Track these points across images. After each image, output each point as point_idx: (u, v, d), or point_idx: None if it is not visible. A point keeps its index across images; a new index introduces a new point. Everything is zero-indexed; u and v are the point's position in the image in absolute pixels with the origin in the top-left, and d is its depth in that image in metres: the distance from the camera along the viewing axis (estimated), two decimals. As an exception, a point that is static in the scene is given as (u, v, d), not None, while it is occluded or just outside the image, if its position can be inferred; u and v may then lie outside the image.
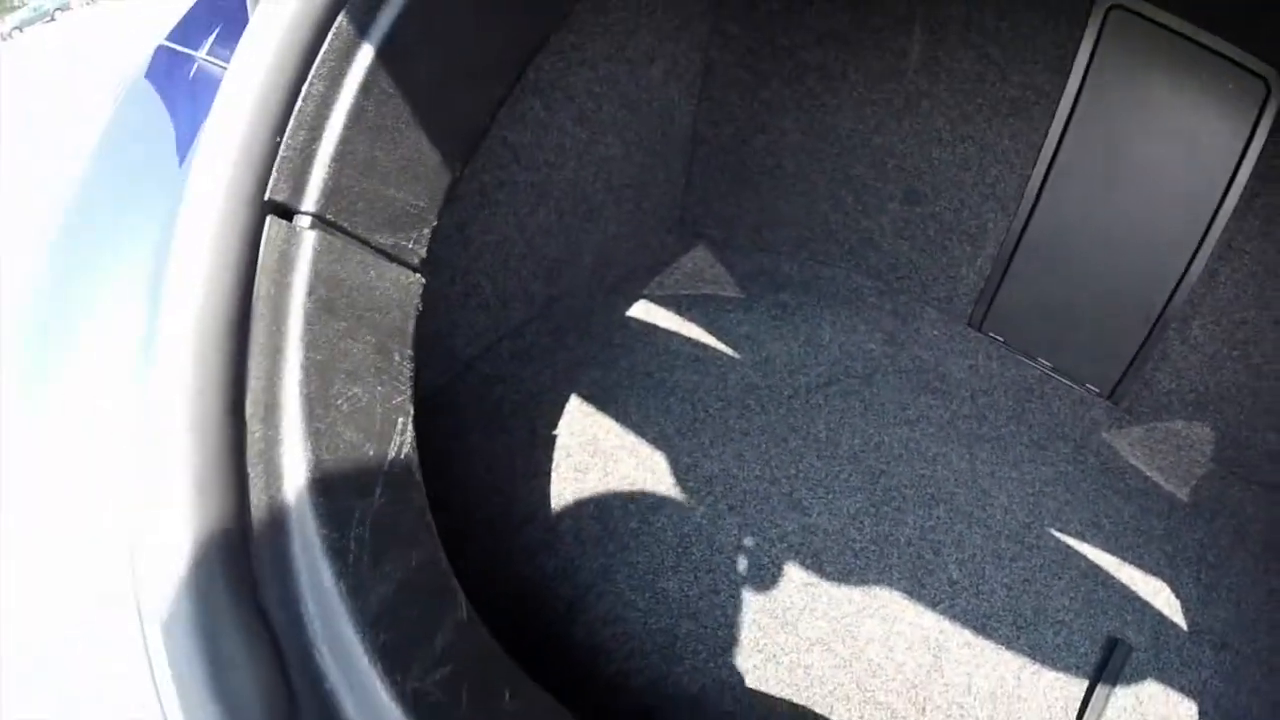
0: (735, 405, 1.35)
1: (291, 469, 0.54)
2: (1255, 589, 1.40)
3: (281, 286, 0.57)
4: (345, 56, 0.62)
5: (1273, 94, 1.27)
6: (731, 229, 1.56)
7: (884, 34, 1.49)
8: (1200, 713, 1.24)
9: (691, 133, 1.51)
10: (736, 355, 1.43)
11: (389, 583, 0.55)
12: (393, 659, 0.51)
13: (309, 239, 0.59)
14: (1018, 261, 1.51)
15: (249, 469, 0.52)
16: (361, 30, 0.61)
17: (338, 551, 0.53)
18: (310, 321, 0.58)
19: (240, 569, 0.49)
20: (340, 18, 0.59)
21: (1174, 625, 1.33)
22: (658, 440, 1.29)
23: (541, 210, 1.27)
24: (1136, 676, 1.25)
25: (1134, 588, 1.34)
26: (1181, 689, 1.25)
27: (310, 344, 0.57)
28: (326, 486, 0.54)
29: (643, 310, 1.45)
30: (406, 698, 0.50)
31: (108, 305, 0.60)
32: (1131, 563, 1.36)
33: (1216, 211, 1.39)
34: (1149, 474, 1.52)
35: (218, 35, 0.68)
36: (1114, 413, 1.54)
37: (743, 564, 1.18)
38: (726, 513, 1.23)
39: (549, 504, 1.19)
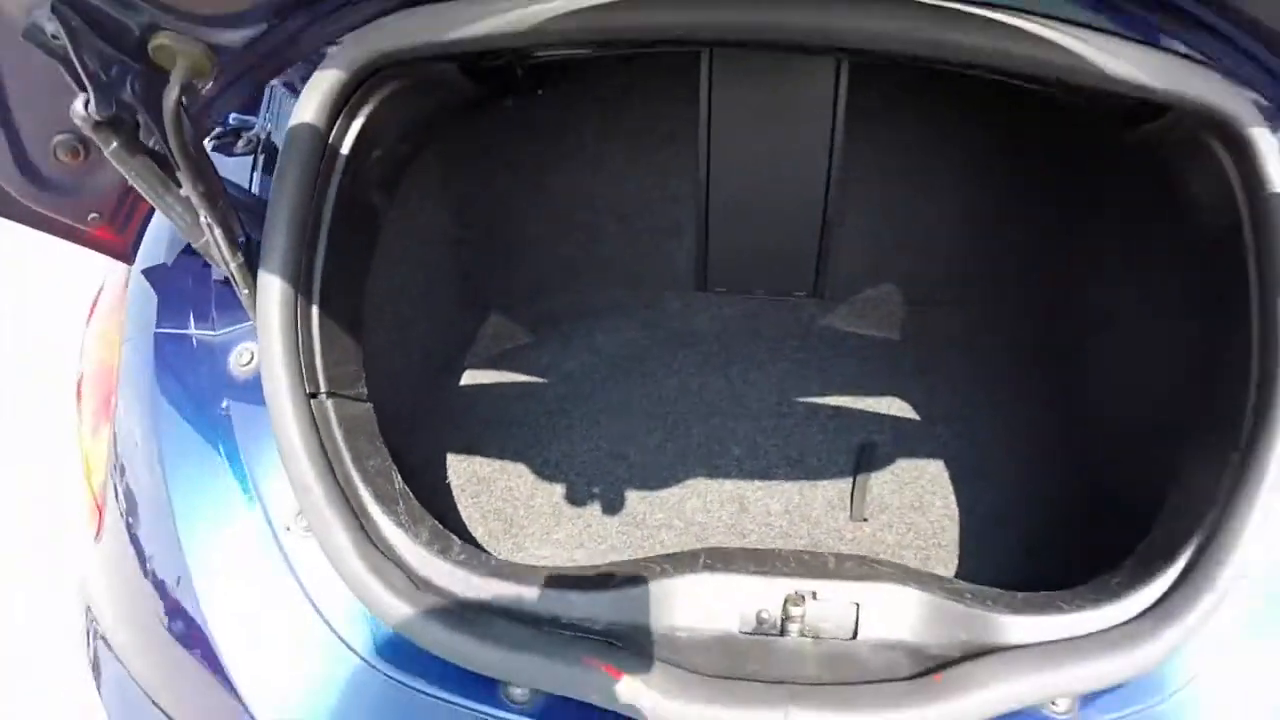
0: (555, 413, 1.82)
1: (368, 499, 1.02)
2: (966, 375, 1.93)
3: (328, 430, 1.04)
4: (306, 316, 1.07)
5: (843, 64, 1.86)
6: (508, 294, 2.04)
7: (566, 124, 2.03)
8: (945, 462, 1.74)
9: (455, 236, 2.00)
10: (544, 380, 1.91)
11: (425, 529, 1.05)
12: (434, 549, 1.00)
13: (330, 404, 1.06)
14: (712, 233, 2.04)
15: (352, 506, 0.99)
16: (308, 299, 1.07)
17: (399, 525, 1.02)
18: (346, 440, 1.05)
19: (360, 530, 0.96)
20: (298, 299, 1.05)
21: (909, 420, 1.85)
22: (512, 456, 1.74)
23: (374, 337, 1.73)
24: (889, 460, 1.74)
25: (871, 409, 1.85)
26: (926, 455, 1.76)
27: (349, 448, 1.05)
28: (381, 502, 1.02)
29: (469, 378, 1.91)
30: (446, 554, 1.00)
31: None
32: (865, 395, 1.87)
33: (832, 142, 1.94)
34: (864, 333, 2.06)
35: (195, 312, 1.14)
36: (821, 304, 2.08)
37: (598, 506, 1.65)
38: (576, 479, 1.69)
39: (464, 527, 1.64)
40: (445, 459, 1.72)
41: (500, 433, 1.79)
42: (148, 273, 1.22)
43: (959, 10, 0.93)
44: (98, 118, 0.80)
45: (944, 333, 2.04)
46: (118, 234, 1.14)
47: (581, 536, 1.59)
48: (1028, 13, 0.92)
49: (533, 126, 1.98)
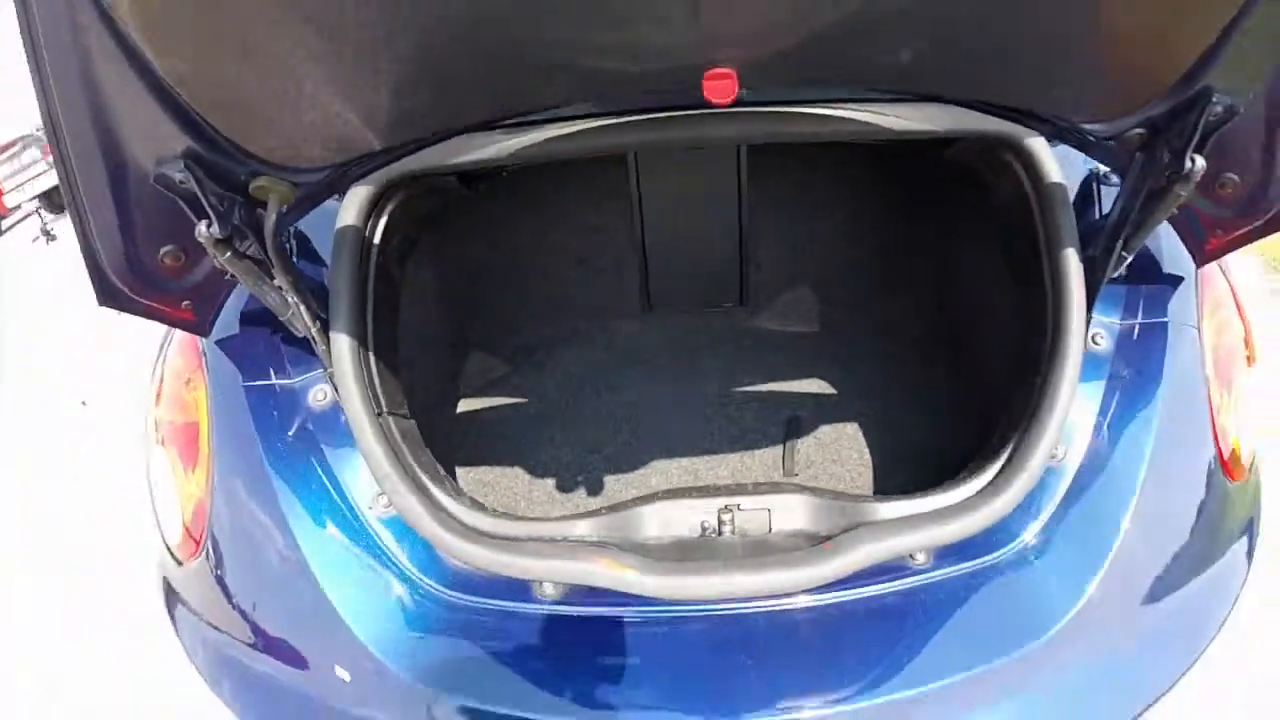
0: (539, 426, 2.21)
1: (426, 480, 1.37)
2: (872, 358, 2.37)
3: (391, 437, 1.38)
4: (366, 360, 1.42)
5: (743, 151, 2.25)
6: (489, 334, 2.43)
7: (526, 191, 2.40)
8: (858, 424, 2.16)
9: (442, 293, 2.37)
10: (526, 400, 2.30)
11: (467, 498, 1.39)
12: (475, 509, 1.36)
13: (390, 420, 1.41)
14: (650, 265, 2.46)
15: (417, 484, 1.35)
16: (365, 348, 1.43)
17: (449, 495, 1.36)
18: (404, 443, 1.40)
19: (426, 498, 1.32)
20: (360, 349, 1.41)
21: (827, 395, 2.27)
22: (509, 463, 2.11)
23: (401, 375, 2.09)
24: (812, 428, 2.15)
25: (795, 390, 2.27)
26: (842, 421, 2.18)
27: (407, 448, 1.39)
28: (435, 482, 1.38)
29: (464, 405, 2.29)
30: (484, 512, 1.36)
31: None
32: (790, 380, 2.30)
33: (740, 186, 2.35)
34: (786, 329, 2.49)
35: (274, 368, 1.48)
36: (748, 310, 2.51)
37: (583, 491, 2.04)
38: (563, 474, 2.07)
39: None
40: (454, 471, 2.10)
41: (496, 446, 2.18)
42: (223, 346, 1.60)
43: (782, 112, 1.36)
44: (218, 236, 1.19)
45: (853, 326, 2.48)
46: (199, 315, 1.51)
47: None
48: (828, 102, 1.36)
49: (499, 197, 2.39)
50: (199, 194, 1.14)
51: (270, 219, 1.22)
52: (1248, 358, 1.68)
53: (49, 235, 5.94)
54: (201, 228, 1.18)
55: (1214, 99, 1.13)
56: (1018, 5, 1.03)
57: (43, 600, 2.61)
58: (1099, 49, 1.14)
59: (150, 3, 0.91)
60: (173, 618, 1.64)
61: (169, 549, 1.63)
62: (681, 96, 1.23)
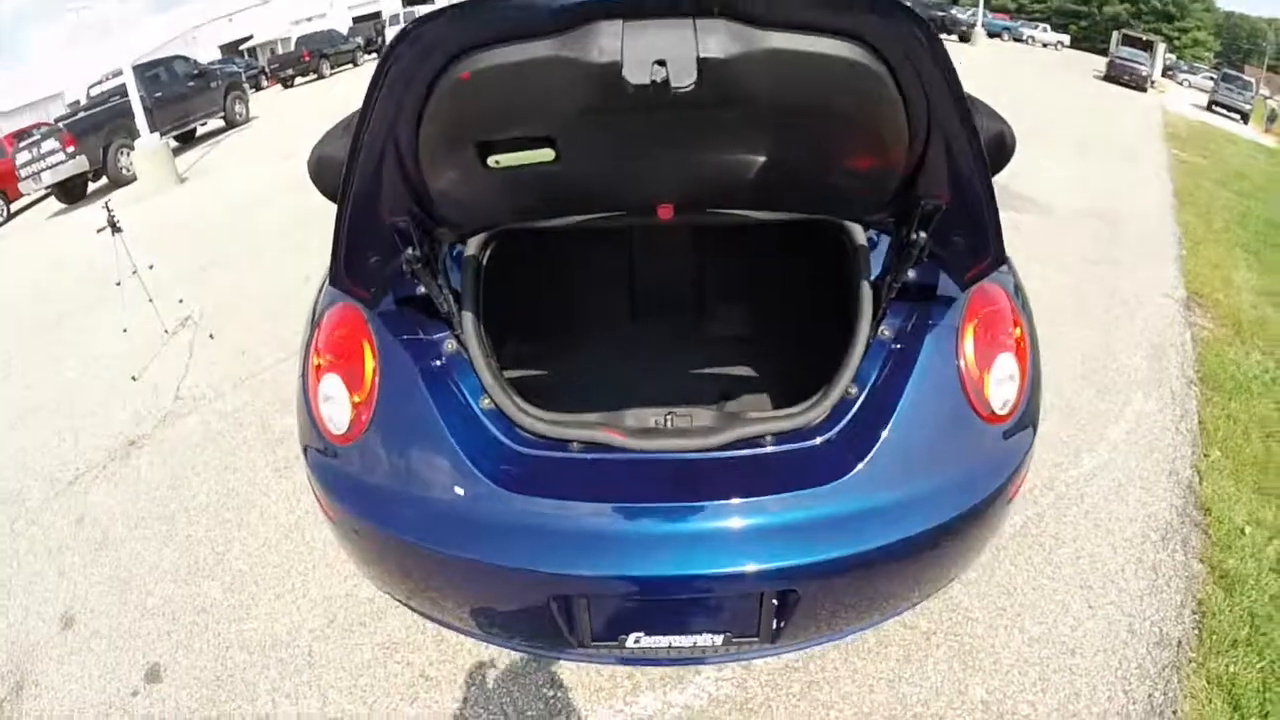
0: (563, 392, 3.33)
1: (511, 392, 2.43)
2: (784, 351, 3.51)
3: (495, 369, 2.48)
4: (480, 329, 2.51)
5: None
6: (526, 328, 3.53)
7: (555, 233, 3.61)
8: (769, 394, 3.30)
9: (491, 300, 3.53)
10: (547, 373, 3.43)
11: (534, 405, 2.49)
12: (538, 408, 2.47)
13: (492, 360, 2.51)
14: (637, 287, 3.64)
15: (507, 393, 2.43)
16: (479, 321, 2.53)
17: (526, 401, 2.48)
18: (500, 374, 2.47)
19: (513, 400, 2.43)
20: (476, 322, 2.51)
21: (751, 376, 3.40)
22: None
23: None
24: (739, 394, 3.29)
25: (730, 373, 3.40)
26: (759, 391, 3.31)
27: (501, 376, 2.48)
28: (519, 394, 2.48)
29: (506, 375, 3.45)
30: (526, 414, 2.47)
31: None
32: (728, 365, 3.44)
33: (696, 237, 3.57)
34: (725, 333, 3.66)
35: (421, 330, 2.45)
36: (702, 319, 3.68)
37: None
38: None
39: None
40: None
41: (553, 393, 3.30)
42: (383, 317, 2.68)
43: (699, 214, 2.54)
44: (416, 256, 2.32)
45: (768, 330, 3.65)
46: (375, 297, 2.58)
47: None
48: (731, 211, 2.54)
49: (546, 241, 3.51)
50: (411, 233, 2.26)
51: (441, 249, 2.37)
52: (1019, 351, 2.38)
53: (115, 228, 5.86)
54: (408, 251, 2.26)
55: (922, 202, 2.07)
56: (807, 183, 2.23)
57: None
58: (846, 193, 2.31)
59: (428, 154, 2.06)
60: (320, 478, 2.41)
61: (330, 436, 2.39)
62: (648, 214, 2.43)
